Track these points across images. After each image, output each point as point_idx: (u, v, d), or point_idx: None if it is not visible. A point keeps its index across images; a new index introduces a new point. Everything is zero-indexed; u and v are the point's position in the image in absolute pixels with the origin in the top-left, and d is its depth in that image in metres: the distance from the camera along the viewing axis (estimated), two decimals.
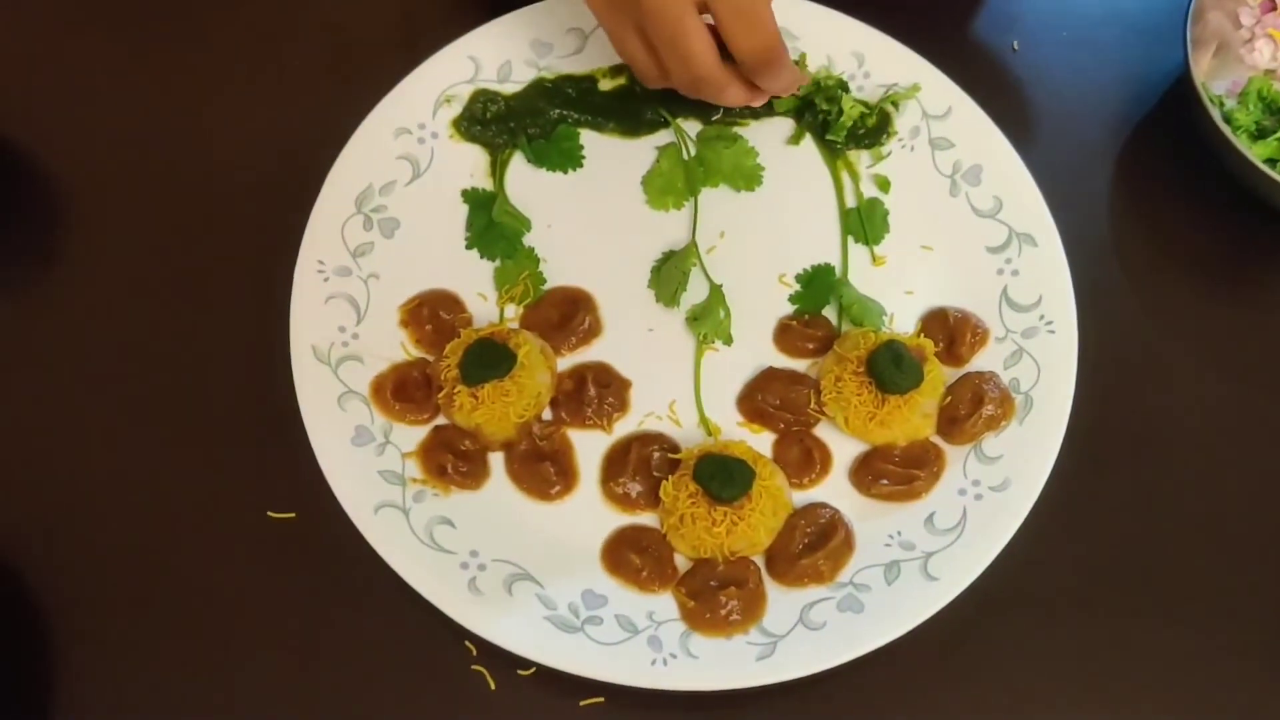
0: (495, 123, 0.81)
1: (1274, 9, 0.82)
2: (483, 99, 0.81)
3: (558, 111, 0.81)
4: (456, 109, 0.81)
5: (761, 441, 0.75)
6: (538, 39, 0.82)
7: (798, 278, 0.78)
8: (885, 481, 0.73)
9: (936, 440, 0.74)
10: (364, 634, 0.71)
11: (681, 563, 0.72)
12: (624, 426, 0.75)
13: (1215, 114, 0.76)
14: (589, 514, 0.73)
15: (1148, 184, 0.83)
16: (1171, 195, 0.82)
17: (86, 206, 0.81)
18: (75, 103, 0.83)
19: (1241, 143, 0.75)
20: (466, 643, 0.70)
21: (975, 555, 0.70)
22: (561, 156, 0.81)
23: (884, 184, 0.80)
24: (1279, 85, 0.81)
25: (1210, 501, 0.75)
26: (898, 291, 0.78)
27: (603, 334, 0.77)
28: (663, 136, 0.82)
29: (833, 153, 0.81)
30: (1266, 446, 0.77)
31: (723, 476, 0.69)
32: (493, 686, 0.70)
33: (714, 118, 0.81)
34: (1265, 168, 0.74)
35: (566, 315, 0.77)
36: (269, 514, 0.73)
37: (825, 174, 0.81)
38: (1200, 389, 0.78)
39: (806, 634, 0.69)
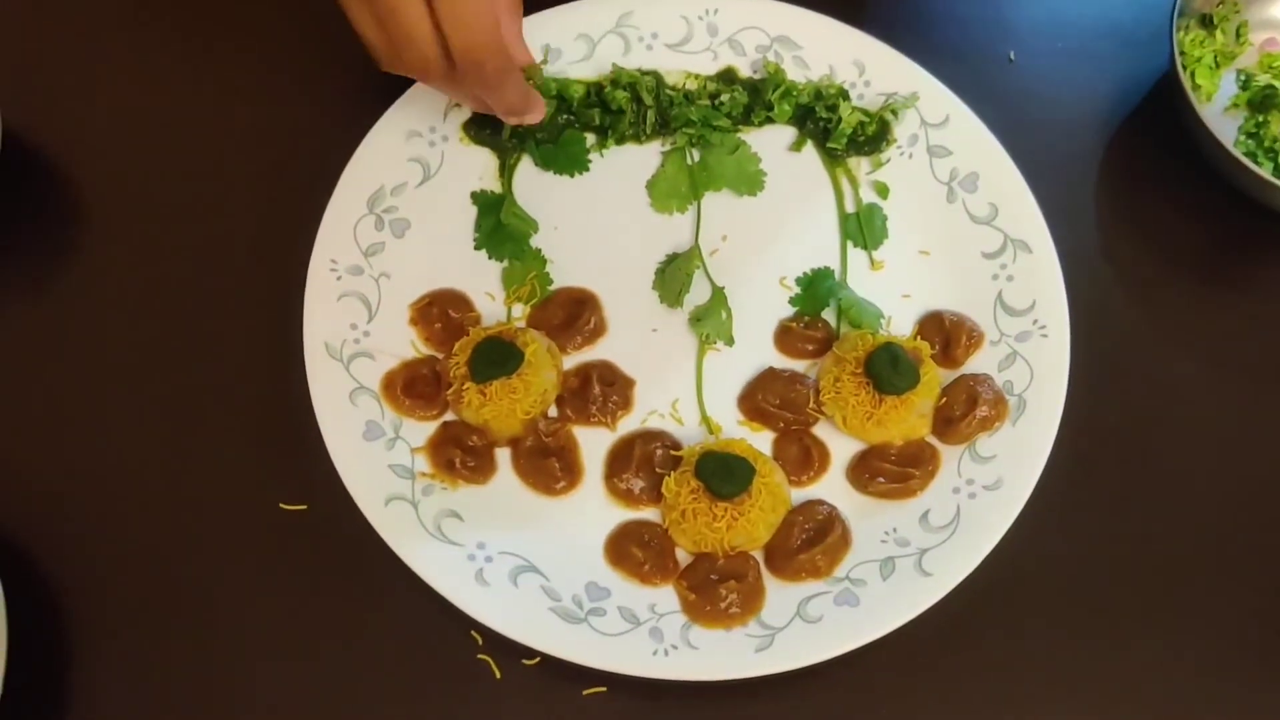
0: (504, 127, 0.81)
1: None
2: None
3: (565, 116, 0.82)
4: (466, 113, 0.81)
5: (761, 440, 0.76)
6: (547, 44, 0.82)
7: (798, 281, 0.79)
8: (882, 479, 0.74)
9: (932, 440, 0.75)
10: (373, 623, 0.72)
11: (683, 557, 0.73)
12: (628, 424, 0.76)
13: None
14: (593, 509, 0.74)
15: (1140, 191, 0.84)
16: (1163, 201, 0.83)
17: (103, 206, 0.82)
18: (92, 104, 0.84)
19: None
20: (473, 632, 0.71)
21: (968, 552, 0.71)
22: (568, 160, 0.82)
23: (883, 190, 0.82)
24: None
25: (1201, 500, 0.76)
26: (895, 295, 0.79)
27: (607, 333, 0.78)
28: (668, 142, 0.83)
29: (833, 159, 0.82)
30: (1259, 446, 0.78)
31: (723, 473, 0.70)
32: (498, 675, 0.71)
33: (717, 124, 0.82)
34: (1249, 162, 0.75)
35: (572, 315, 0.78)
36: (281, 505, 0.74)
37: (826, 180, 0.82)
38: (1192, 389, 0.79)
39: (804, 627, 0.70)
